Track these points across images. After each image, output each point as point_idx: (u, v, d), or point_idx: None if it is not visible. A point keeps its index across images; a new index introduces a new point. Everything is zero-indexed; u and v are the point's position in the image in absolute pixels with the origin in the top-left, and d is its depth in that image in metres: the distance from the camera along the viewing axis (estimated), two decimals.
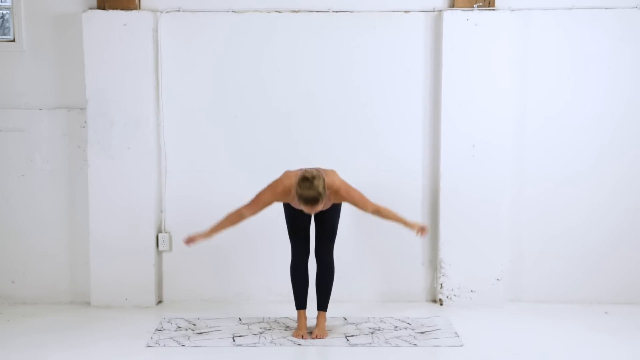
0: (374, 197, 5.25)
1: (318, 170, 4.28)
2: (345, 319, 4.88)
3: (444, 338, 4.51)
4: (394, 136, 5.26)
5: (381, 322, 4.83)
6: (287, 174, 4.39)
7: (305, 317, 4.62)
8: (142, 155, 5.14)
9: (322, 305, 4.60)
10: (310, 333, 4.54)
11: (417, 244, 5.32)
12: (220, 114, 5.23)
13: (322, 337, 4.50)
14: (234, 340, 4.47)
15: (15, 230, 5.30)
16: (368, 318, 4.91)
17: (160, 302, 5.33)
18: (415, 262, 5.35)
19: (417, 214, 5.30)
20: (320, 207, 4.21)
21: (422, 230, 4.47)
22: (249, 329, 4.70)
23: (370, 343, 4.43)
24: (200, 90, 5.22)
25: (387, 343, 4.43)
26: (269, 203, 4.40)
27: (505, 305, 5.23)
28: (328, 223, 4.51)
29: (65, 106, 5.24)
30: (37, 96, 5.23)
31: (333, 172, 4.46)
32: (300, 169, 4.34)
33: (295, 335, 4.54)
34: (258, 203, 4.39)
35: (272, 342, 4.44)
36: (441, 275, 5.24)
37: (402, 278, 5.35)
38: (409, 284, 5.35)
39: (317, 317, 4.60)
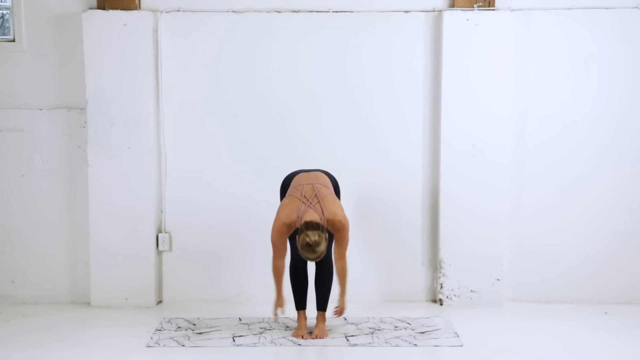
0: (374, 197, 5.30)
1: (321, 227, 4.18)
2: (345, 319, 4.88)
3: (444, 338, 4.51)
4: (394, 136, 5.26)
5: (381, 322, 4.83)
6: (283, 212, 4.32)
7: (305, 318, 4.62)
8: (142, 155, 5.14)
9: (322, 305, 4.59)
10: (310, 333, 4.54)
11: (417, 244, 5.32)
12: (220, 114, 5.23)
13: (322, 337, 4.50)
14: (234, 340, 4.47)
15: (15, 230, 5.30)
16: (368, 318, 4.91)
17: (160, 302, 5.33)
18: (415, 262, 5.35)
19: (417, 214, 5.31)
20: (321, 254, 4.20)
21: (339, 311, 4.47)
22: (249, 329, 4.70)
23: (370, 343, 4.43)
24: (200, 90, 5.22)
25: (387, 343, 4.43)
26: (284, 241, 4.36)
27: (505, 305, 5.23)
28: None
29: (65, 106, 5.24)
30: (37, 96, 5.23)
31: (339, 204, 4.39)
32: (298, 198, 4.29)
33: (295, 335, 4.53)
34: (278, 246, 4.36)
35: (272, 342, 4.44)
36: (441, 275, 5.24)
37: (402, 278, 5.35)
38: (409, 284, 5.35)
39: (317, 318, 4.60)
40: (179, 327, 4.72)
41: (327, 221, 4.28)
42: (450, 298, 5.24)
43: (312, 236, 4.14)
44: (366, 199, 5.29)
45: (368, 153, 5.27)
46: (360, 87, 5.22)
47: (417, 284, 5.36)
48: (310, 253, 4.17)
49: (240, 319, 4.90)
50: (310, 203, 4.29)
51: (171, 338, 4.51)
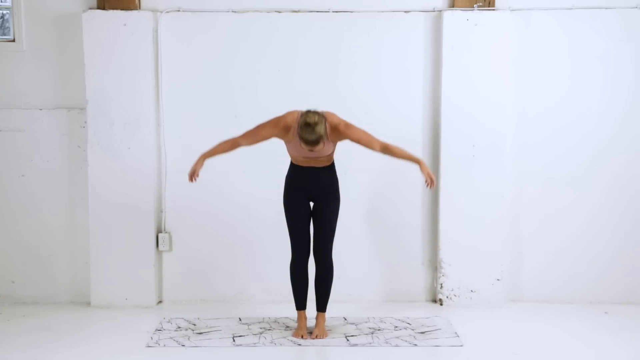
0: (374, 197, 5.29)
1: (320, 114, 4.27)
2: (345, 319, 4.88)
3: (444, 338, 4.51)
4: (394, 136, 5.24)
5: (381, 322, 4.83)
6: (290, 112, 4.40)
7: (305, 318, 4.62)
8: (142, 155, 5.14)
9: (322, 306, 4.60)
10: (310, 333, 4.55)
11: (417, 244, 5.33)
12: (220, 114, 5.23)
13: (322, 337, 4.51)
14: (234, 340, 4.48)
15: (15, 230, 5.30)
16: (368, 318, 4.91)
17: (160, 302, 5.33)
18: (415, 262, 5.35)
19: (417, 214, 5.31)
20: (320, 147, 4.23)
21: (431, 180, 4.46)
22: (249, 329, 4.70)
23: (370, 343, 4.43)
24: (200, 90, 5.22)
25: (387, 343, 4.43)
26: (266, 137, 4.42)
27: (505, 305, 5.23)
28: (326, 223, 4.50)
29: (65, 106, 5.24)
30: (37, 96, 5.23)
31: (333, 113, 4.43)
32: (304, 111, 4.33)
33: (295, 335, 4.54)
34: (256, 134, 4.42)
35: (272, 342, 4.44)
36: (441, 275, 5.24)
37: (402, 278, 5.35)
38: (409, 284, 5.36)
39: (317, 318, 4.60)
40: (179, 327, 4.72)
41: (331, 127, 4.31)
42: (450, 298, 5.24)
43: (312, 117, 4.19)
44: (366, 199, 5.29)
45: (368, 153, 5.26)
46: (360, 87, 5.22)
47: (417, 284, 5.36)
48: (309, 133, 4.16)
49: (240, 319, 4.90)
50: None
51: (171, 338, 4.51)
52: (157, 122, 5.21)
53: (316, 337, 4.50)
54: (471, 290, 5.22)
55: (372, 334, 4.60)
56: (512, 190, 5.26)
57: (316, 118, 4.20)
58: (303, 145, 4.25)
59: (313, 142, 4.19)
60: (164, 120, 5.22)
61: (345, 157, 5.14)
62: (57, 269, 5.33)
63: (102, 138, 5.11)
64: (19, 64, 5.20)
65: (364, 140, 4.40)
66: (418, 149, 5.26)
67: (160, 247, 5.27)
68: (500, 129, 5.14)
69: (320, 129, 4.18)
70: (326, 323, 4.68)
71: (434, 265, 5.33)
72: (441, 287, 5.25)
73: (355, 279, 5.33)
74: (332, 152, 4.48)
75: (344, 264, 5.13)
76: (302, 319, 4.60)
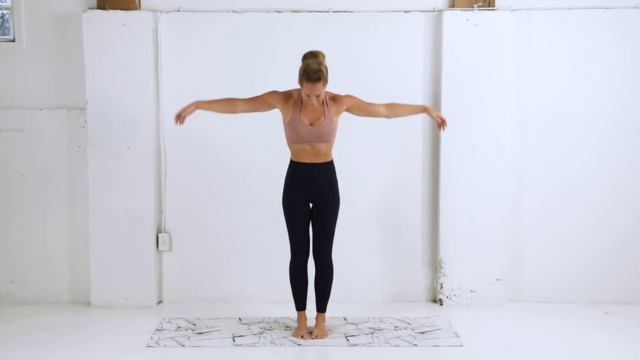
0: (374, 197, 5.29)
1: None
2: (345, 319, 4.88)
3: (444, 338, 4.51)
4: (394, 136, 5.26)
5: (381, 322, 4.83)
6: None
7: (305, 318, 4.62)
8: (142, 155, 5.14)
9: (322, 306, 4.60)
10: (310, 333, 4.55)
11: (417, 244, 5.32)
12: (220, 114, 5.22)
13: (322, 337, 4.51)
14: (234, 340, 4.48)
15: (15, 230, 5.30)
16: (368, 318, 4.91)
17: (160, 302, 5.33)
18: (415, 262, 5.35)
19: (417, 214, 5.31)
20: (321, 87, 4.25)
21: (442, 120, 4.56)
22: (249, 329, 4.70)
23: (370, 343, 4.43)
24: (200, 90, 5.20)
25: (387, 343, 4.43)
26: (266, 101, 4.44)
27: (505, 305, 5.23)
28: (325, 224, 4.50)
29: (65, 106, 5.24)
30: (37, 96, 5.23)
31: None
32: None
33: (295, 335, 4.54)
34: (257, 98, 4.46)
35: (272, 342, 4.44)
36: (441, 275, 5.24)
37: (402, 278, 5.35)
38: (409, 284, 5.35)
39: (317, 318, 4.60)
40: (179, 327, 4.72)
41: (330, 97, 4.41)
42: (450, 298, 5.24)
43: (315, 50, 4.30)
44: (366, 199, 5.29)
45: (368, 152, 5.27)
46: (360, 87, 5.21)
47: (417, 284, 5.36)
48: (312, 58, 4.24)
49: (240, 319, 4.90)
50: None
51: (171, 338, 4.51)
52: (157, 122, 5.21)
53: (316, 337, 4.50)
54: (471, 290, 5.22)
55: (372, 334, 4.60)
56: (512, 191, 5.26)
57: (319, 52, 4.30)
58: (304, 85, 4.24)
59: (315, 73, 4.20)
60: (164, 120, 5.22)
61: (346, 157, 5.15)
62: (57, 269, 5.33)
63: (102, 138, 5.11)
64: (19, 64, 5.20)
65: (365, 105, 4.46)
66: (418, 149, 5.26)
67: (160, 247, 5.27)
68: (500, 129, 5.14)
69: (322, 59, 4.25)
70: (326, 323, 4.68)
71: (434, 265, 5.33)
72: (441, 287, 5.25)
73: (355, 279, 5.33)
74: (333, 134, 4.44)
75: (344, 264, 5.13)
76: (302, 319, 4.60)
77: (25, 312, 5.11)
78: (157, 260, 5.27)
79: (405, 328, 4.71)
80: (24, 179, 5.26)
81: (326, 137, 4.42)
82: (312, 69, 4.21)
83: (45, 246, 5.31)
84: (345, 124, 5.25)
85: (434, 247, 5.31)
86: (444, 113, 5.12)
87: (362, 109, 4.48)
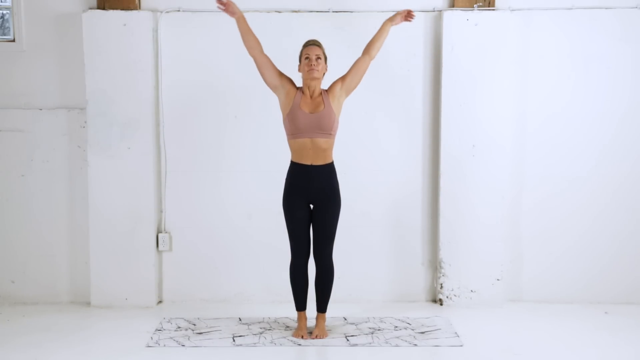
0: (374, 197, 5.30)
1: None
2: (345, 319, 4.88)
3: (444, 338, 4.52)
4: (394, 136, 5.26)
5: (381, 322, 4.83)
6: None
7: (306, 318, 4.62)
8: (142, 155, 5.14)
9: (322, 307, 4.60)
10: (310, 333, 4.55)
11: (417, 244, 5.32)
12: (220, 114, 5.23)
13: (322, 337, 4.51)
14: (234, 340, 4.48)
15: (15, 230, 5.30)
16: (368, 318, 4.91)
17: (160, 302, 5.33)
18: (415, 262, 5.35)
19: (417, 214, 5.31)
20: (320, 51, 4.44)
21: (409, 13, 4.71)
22: (249, 329, 4.70)
23: (370, 343, 4.43)
24: (200, 90, 5.22)
25: (387, 343, 4.43)
26: (277, 73, 4.49)
27: (505, 305, 5.23)
28: (326, 225, 4.49)
29: (65, 106, 5.24)
30: (37, 96, 5.23)
31: None
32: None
33: (295, 335, 4.54)
34: (272, 64, 4.51)
35: (272, 342, 4.44)
36: (441, 275, 5.24)
37: (402, 278, 5.35)
38: (409, 284, 5.36)
39: (317, 318, 4.60)
40: (179, 327, 4.72)
41: (327, 90, 4.51)
42: (450, 298, 5.24)
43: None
44: (366, 199, 5.29)
45: (368, 153, 5.27)
46: (360, 87, 5.21)
47: (417, 284, 5.36)
48: (311, 40, 4.51)
49: (240, 319, 4.90)
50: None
51: (171, 338, 4.51)
52: (157, 122, 5.21)
53: (316, 337, 4.50)
54: (471, 290, 5.22)
55: (372, 334, 4.60)
56: (512, 191, 5.26)
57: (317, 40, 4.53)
58: (304, 49, 4.45)
59: (314, 41, 4.45)
60: (164, 120, 5.22)
61: (346, 158, 5.16)
62: (57, 269, 5.33)
63: (102, 138, 5.11)
64: (19, 64, 5.20)
65: (351, 71, 4.56)
66: (418, 149, 5.26)
67: (160, 247, 5.27)
68: (500, 129, 5.14)
69: (321, 45, 4.48)
70: (326, 323, 4.69)
71: (434, 265, 5.33)
72: (441, 287, 5.25)
73: (355, 279, 5.33)
74: (334, 125, 4.43)
75: (344, 264, 5.13)
76: (302, 319, 4.60)
77: (25, 312, 5.11)
78: (157, 260, 5.28)
79: (405, 328, 4.71)
80: (24, 179, 5.26)
81: (327, 127, 4.40)
82: (311, 39, 4.50)
83: (45, 246, 5.31)
84: (346, 124, 5.26)
85: (434, 247, 5.31)
86: (444, 113, 5.13)
87: (352, 75, 4.55)
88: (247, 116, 5.23)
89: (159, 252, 5.29)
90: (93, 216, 5.16)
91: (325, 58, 4.50)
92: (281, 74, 4.50)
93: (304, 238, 4.53)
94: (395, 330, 4.67)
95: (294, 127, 4.40)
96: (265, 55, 4.50)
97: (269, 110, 5.21)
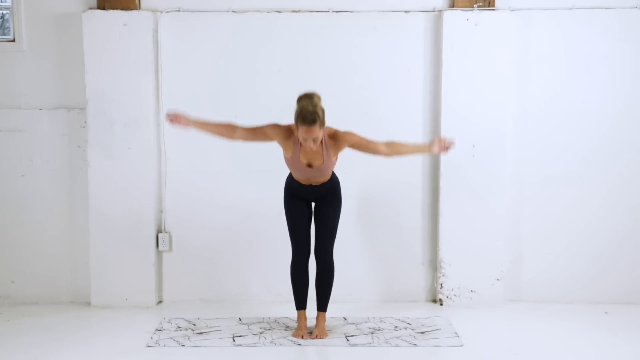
0: (374, 197, 5.30)
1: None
2: (345, 319, 4.88)
3: (444, 338, 4.52)
4: (394, 136, 5.24)
5: (381, 322, 4.84)
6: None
7: (305, 318, 4.62)
8: (142, 155, 5.14)
9: (322, 306, 4.60)
10: (310, 333, 4.55)
11: (417, 244, 5.33)
12: (220, 114, 5.21)
13: (322, 337, 4.51)
14: (234, 340, 4.48)
15: (15, 230, 5.30)
16: (368, 318, 4.91)
17: (160, 302, 5.33)
18: (415, 262, 5.35)
19: (417, 214, 5.31)
20: (317, 130, 4.10)
21: (444, 145, 4.41)
22: (249, 329, 4.70)
23: (370, 343, 4.43)
24: (200, 90, 5.22)
25: (387, 343, 4.43)
26: (267, 134, 4.32)
27: (505, 305, 5.24)
28: (328, 223, 4.50)
29: (65, 106, 5.24)
30: (37, 96, 5.23)
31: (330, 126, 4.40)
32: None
33: (295, 335, 4.54)
34: (256, 130, 4.33)
35: (272, 342, 4.44)
36: (441, 275, 5.24)
37: (402, 278, 5.35)
38: (409, 284, 5.36)
39: (317, 318, 4.60)
40: (179, 327, 4.72)
41: (329, 135, 4.28)
42: (450, 298, 5.24)
43: (310, 92, 4.18)
44: (366, 199, 5.29)
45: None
46: (361, 87, 5.22)
47: (417, 284, 5.36)
48: (306, 99, 4.11)
49: (240, 319, 4.90)
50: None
51: (171, 338, 4.51)
52: (157, 122, 5.21)
53: (316, 337, 4.50)
54: (471, 290, 5.23)
55: (372, 334, 4.60)
56: (512, 190, 5.27)
57: (314, 94, 4.17)
58: (300, 127, 4.11)
59: (311, 114, 4.07)
60: (164, 120, 5.22)
61: (345, 157, 5.15)
62: (57, 269, 5.33)
63: (102, 138, 5.11)
64: (19, 64, 5.20)
65: (366, 142, 4.32)
66: None
67: (160, 247, 5.27)
68: (500, 129, 5.14)
69: (318, 101, 4.13)
70: (326, 323, 4.68)
71: (434, 265, 5.33)
72: (441, 287, 5.25)
73: (355, 279, 5.33)
74: (332, 168, 4.44)
75: (344, 264, 5.13)
76: (302, 318, 4.60)
77: (25, 312, 5.11)
78: (157, 260, 5.28)
79: (405, 328, 4.71)
80: (24, 179, 5.26)
81: (325, 176, 4.42)
82: (307, 110, 4.09)
83: (45, 246, 5.31)
84: (345, 123, 5.26)
85: (434, 247, 5.31)
86: (444, 113, 5.13)
87: (362, 148, 4.35)
88: (247, 116, 5.22)
89: (158, 252, 5.29)
90: (93, 216, 5.16)
91: (323, 122, 4.17)
92: (270, 132, 4.30)
93: (304, 236, 4.53)
94: (395, 330, 4.67)
95: (293, 172, 4.45)
96: (244, 129, 4.33)
97: (269, 110, 5.22)
